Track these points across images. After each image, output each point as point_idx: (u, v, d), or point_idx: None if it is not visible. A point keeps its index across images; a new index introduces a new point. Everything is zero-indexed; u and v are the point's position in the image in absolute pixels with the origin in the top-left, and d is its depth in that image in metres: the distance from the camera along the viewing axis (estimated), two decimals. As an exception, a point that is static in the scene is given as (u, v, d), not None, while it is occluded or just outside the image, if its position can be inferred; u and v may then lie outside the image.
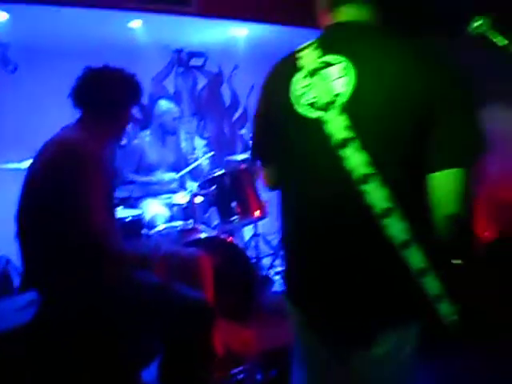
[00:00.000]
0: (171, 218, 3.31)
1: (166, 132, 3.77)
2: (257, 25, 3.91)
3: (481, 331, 2.41)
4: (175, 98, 4.41)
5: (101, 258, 1.77)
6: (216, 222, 3.40)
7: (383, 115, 1.07)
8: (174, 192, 3.54)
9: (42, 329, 1.81)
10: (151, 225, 3.20)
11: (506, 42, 1.11)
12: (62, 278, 1.76)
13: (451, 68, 1.09)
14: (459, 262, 1.11)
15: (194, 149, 4.47)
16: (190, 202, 3.23)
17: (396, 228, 1.06)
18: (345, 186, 1.09)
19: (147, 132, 3.76)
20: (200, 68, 4.54)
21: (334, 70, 1.13)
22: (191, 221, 3.15)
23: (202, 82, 4.67)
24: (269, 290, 3.51)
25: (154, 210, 3.38)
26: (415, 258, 1.06)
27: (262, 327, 2.80)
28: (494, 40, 1.13)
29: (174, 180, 3.67)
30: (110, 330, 1.81)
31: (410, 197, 1.10)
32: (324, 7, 1.24)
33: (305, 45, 1.22)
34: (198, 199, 3.26)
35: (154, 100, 4.00)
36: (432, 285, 1.06)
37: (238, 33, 4.18)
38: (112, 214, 1.98)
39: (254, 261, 3.59)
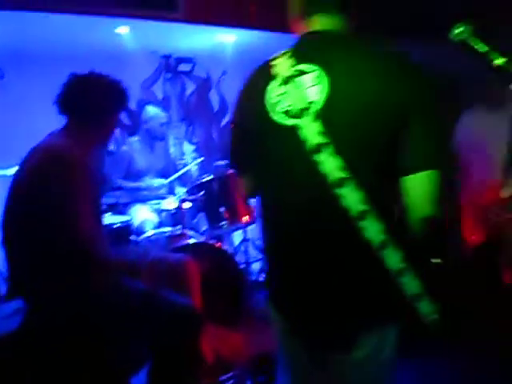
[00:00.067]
0: (160, 224, 3.32)
1: (155, 138, 3.76)
2: (245, 31, 3.92)
3: (468, 331, 2.44)
4: (164, 103, 4.41)
5: (88, 265, 1.76)
6: (204, 227, 3.41)
7: (357, 123, 1.10)
8: (162, 198, 3.52)
9: (28, 337, 1.80)
10: (140, 231, 3.19)
11: (486, 48, 1.13)
12: (49, 285, 1.75)
13: (421, 76, 1.12)
14: (438, 260, 1.13)
15: (183, 154, 4.46)
16: (179, 207, 3.22)
17: (372, 230, 1.07)
18: (320, 190, 1.10)
19: (136, 138, 3.75)
20: (188, 74, 4.54)
21: (307, 78, 1.14)
22: (180, 226, 3.15)
23: (190, 88, 4.66)
24: (258, 295, 3.51)
25: (143, 215, 3.37)
26: (393, 259, 1.07)
27: (252, 332, 2.79)
28: (475, 47, 1.14)
29: (162, 186, 3.66)
30: (97, 337, 1.80)
31: (385, 199, 1.12)
32: (297, 16, 1.26)
33: (279, 53, 1.23)
34: (187, 205, 3.26)
35: (142, 106, 4.00)
36: (411, 284, 1.07)
37: (226, 39, 4.19)
38: (99, 220, 1.97)
39: (243, 266, 3.60)
